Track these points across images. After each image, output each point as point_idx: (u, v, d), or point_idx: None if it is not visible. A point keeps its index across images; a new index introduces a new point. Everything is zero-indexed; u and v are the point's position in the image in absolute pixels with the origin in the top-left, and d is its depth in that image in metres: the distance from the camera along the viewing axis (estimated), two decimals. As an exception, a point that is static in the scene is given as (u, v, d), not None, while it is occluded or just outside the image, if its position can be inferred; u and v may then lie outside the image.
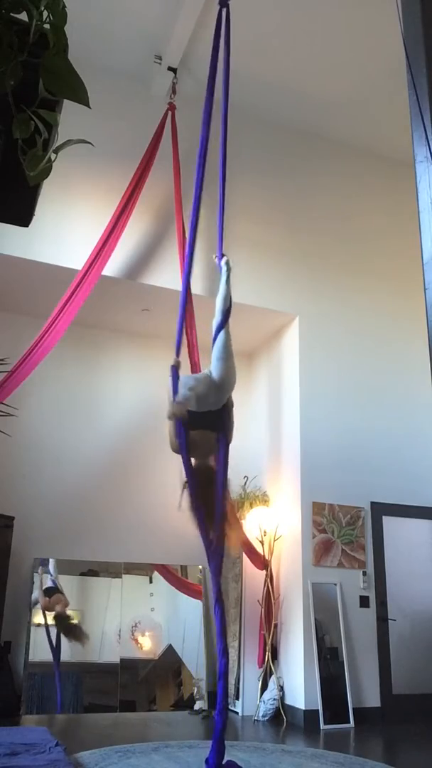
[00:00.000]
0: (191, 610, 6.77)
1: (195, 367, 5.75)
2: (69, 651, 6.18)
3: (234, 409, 3.97)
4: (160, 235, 6.25)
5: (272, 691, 5.96)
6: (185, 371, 5.85)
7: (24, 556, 6.20)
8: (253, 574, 6.39)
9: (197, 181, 3.91)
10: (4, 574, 5.81)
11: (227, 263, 4.34)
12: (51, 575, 6.30)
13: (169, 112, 6.25)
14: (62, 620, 6.13)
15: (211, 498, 3.63)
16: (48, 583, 6.27)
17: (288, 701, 5.93)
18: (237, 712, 6.13)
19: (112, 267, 5.88)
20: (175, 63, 6.24)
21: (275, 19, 5.87)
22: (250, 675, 6.18)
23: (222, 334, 3.97)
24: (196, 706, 6.26)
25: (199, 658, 6.55)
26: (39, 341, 5.33)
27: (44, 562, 6.35)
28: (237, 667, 6.27)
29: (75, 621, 6.22)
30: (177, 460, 3.81)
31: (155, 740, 4.85)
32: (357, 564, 6.33)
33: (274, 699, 5.91)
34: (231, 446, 6.61)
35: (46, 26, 1.36)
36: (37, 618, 6.14)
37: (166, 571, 6.78)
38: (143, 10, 5.84)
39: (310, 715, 5.67)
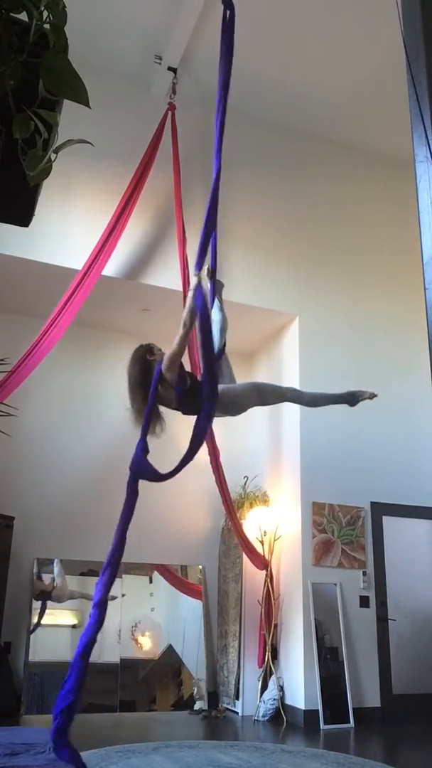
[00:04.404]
0: (191, 610, 6.77)
1: (195, 367, 5.75)
2: (69, 651, 6.18)
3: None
4: (160, 235, 6.25)
5: (272, 691, 5.96)
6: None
7: (24, 556, 6.20)
8: (253, 574, 6.40)
9: (216, 173, 3.66)
10: (4, 574, 5.82)
11: (220, 283, 4.16)
12: (53, 576, 6.32)
13: (169, 112, 6.24)
14: None
15: None
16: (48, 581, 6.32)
17: (288, 701, 5.93)
18: (237, 712, 6.13)
19: (112, 267, 5.88)
20: (175, 63, 6.24)
21: (275, 18, 5.87)
22: (250, 675, 6.18)
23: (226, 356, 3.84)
24: (196, 706, 6.27)
25: (199, 658, 6.55)
26: (39, 341, 5.33)
27: (45, 562, 6.35)
28: (237, 667, 6.27)
29: None
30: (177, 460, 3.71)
31: (155, 740, 4.86)
32: (357, 564, 6.33)
33: (274, 699, 5.91)
34: (231, 446, 6.67)
35: (46, 26, 1.36)
36: (37, 618, 6.15)
37: (166, 571, 6.78)
38: (143, 10, 5.84)
39: (310, 715, 5.67)
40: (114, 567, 2.99)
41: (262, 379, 7.29)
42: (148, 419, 3.36)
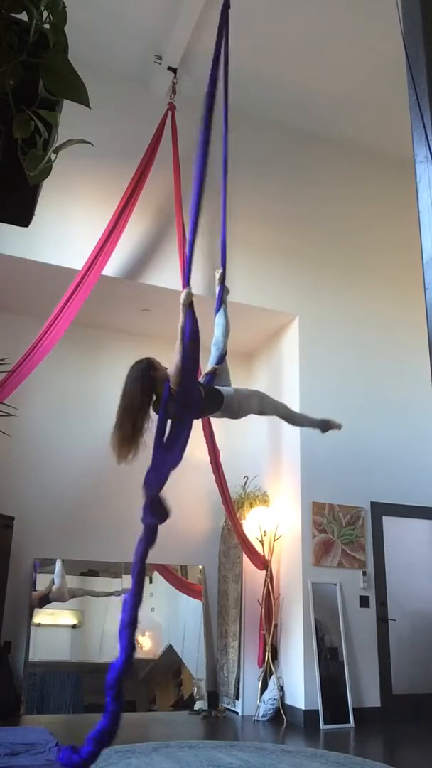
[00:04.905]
0: (191, 610, 6.77)
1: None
2: (69, 651, 6.18)
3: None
4: (160, 235, 6.25)
5: (272, 691, 5.96)
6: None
7: (24, 556, 6.20)
8: (253, 574, 6.40)
9: (197, 181, 3.67)
10: (4, 574, 5.81)
11: (226, 289, 4.18)
12: (52, 576, 6.32)
13: (169, 112, 6.24)
14: None
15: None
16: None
17: (288, 701, 5.93)
18: (237, 712, 6.13)
19: (112, 267, 5.88)
20: (175, 63, 6.24)
21: (275, 18, 5.87)
22: (250, 675, 6.18)
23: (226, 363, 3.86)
24: (196, 706, 6.27)
25: (199, 658, 6.55)
26: (39, 341, 5.33)
27: (45, 562, 6.35)
28: (237, 667, 6.27)
29: None
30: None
31: (155, 740, 4.85)
32: (357, 564, 6.33)
33: (274, 699, 5.91)
34: (231, 446, 6.68)
35: (46, 26, 1.36)
36: (37, 618, 6.15)
37: (166, 571, 6.78)
38: (143, 10, 5.85)
39: (310, 715, 5.67)
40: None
41: (263, 379, 7.33)
42: (159, 447, 3.22)
